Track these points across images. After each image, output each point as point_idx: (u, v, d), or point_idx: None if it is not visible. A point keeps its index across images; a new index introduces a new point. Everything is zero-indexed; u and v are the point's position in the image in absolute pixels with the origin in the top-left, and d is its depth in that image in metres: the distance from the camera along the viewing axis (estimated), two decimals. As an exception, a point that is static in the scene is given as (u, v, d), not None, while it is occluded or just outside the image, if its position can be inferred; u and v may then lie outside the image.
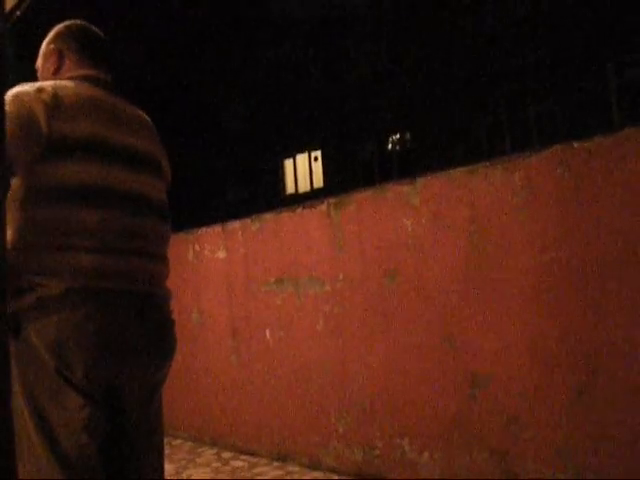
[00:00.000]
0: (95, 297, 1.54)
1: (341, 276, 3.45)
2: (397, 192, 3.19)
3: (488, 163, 2.88)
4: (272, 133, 22.09)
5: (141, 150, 1.72)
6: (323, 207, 3.55)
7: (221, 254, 4.27)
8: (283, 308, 3.78)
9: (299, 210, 3.69)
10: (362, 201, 3.36)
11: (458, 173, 2.97)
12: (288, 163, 22.09)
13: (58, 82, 1.65)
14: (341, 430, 3.47)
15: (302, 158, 21.80)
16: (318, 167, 21.34)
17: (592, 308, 2.52)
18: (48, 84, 1.62)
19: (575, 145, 2.60)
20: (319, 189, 20.91)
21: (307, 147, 21.42)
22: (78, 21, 1.88)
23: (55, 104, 1.57)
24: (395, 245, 3.19)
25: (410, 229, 3.13)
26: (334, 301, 3.49)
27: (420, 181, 3.11)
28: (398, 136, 19.33)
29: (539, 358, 2.68)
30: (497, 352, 2.81)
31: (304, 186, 21.71)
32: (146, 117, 1.83)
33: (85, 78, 1.73)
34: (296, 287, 3.69)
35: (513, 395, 2.77)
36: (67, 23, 1.85)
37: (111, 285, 1.57)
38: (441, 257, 3.00)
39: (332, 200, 3.51)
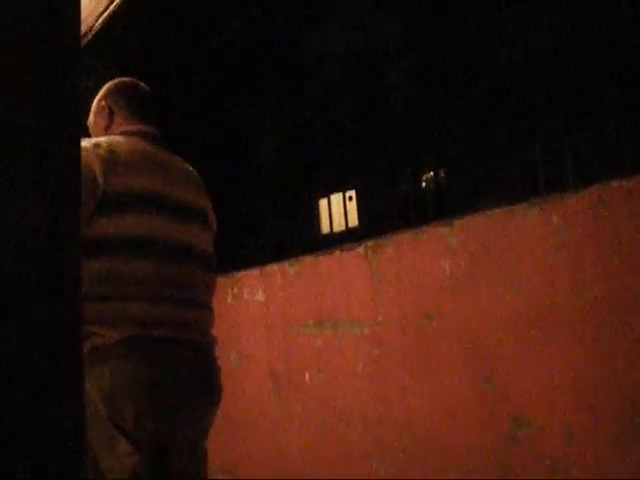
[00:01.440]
0: (148, 345, 1.60)
1: (380, 318, 3.47)
2: (435, 234, 3.22)
3: (526, 203, 2.90)
4: (308, 175, 22.27)
5: (190, 202, 1.79)
6: (361, 250, 3.59)
7: (260, 297, 4.32)
8: (322, 350, 3.81)
9: (337, 253, 3.74)
10: (400, 243, 3.39)
11: (496, 213, 3.00)
12: (323, 203, 22.23)
13: (112, 138, 1.73)
14: (382, 473, 3.46)
15: (337, 198, 21.93)
16: (353, 206, 21.42)
17: (633, 347, 2.51)
18: (103, 140, 1.70)
19: (613, 184, 2.62)
20: (354, 228, 20.97)
21: (342, 187, 21.55)
22: (126, 78, 1.97)
23: (111, 159, 1.64)
24: (433, 287, 3.21)
25: (448, 271, 3.15)
26: (373, 343, 3.51)
27: (457, 222, 3.14)
28: (432, 174, 19.36)
29: (581, 399, 2.67)
30: (539, 393, 2.80)
31: (339, 225, 21.80)
32: (193, 170, 1.91)
33: (136, 133, 1.81)
34: (335, 329, 3.72)
35: (555, 437, 2.75)
36: (116, 80, 1.94)
37: (163, 333, 1.62)
38: (480, 298, 3.02)
39: (370, 243, 3.55)
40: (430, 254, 3.23)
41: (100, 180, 1.60)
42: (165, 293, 1.65)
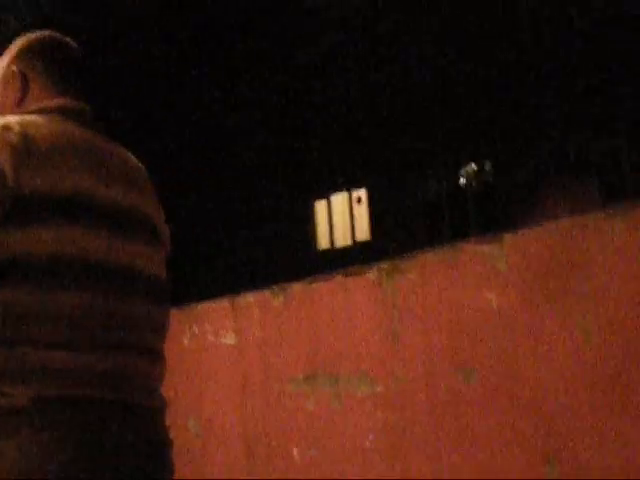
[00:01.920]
0: (71, 411, 1.59)
1: (398, 372, 3.46)
2: (476, 253, 3.22)
3: (604, 212, 2.90)
4: (299, 164, 22.33)
5: (133, 209, 1.78)
6: (372, 274, 3.59)
7: (230, 339, 4.31)
8: (317, 416, 3.80)
9: (339, 278, 3.74)
10: (427, 266, 3.39)
11: (562, 226, 3.00)
12: (320, 206, 22.27)
13: (27, 117, 1.72)
14: None
15: (340, 199, 21.97)
16: (362, 212, 21.46)
17: None
18: (14, 120, 1.68)
19: None
20: (364, 243, 21.00)
21: (347, 184, 21.60)
22: (46, 32, 1.96)
23: (25, 148, 1.63)
24: (473, 328, 3.21)
25: (495, 305, 3.14)
26: (388, 407, 3.50)
27: (508, 238, 3.14)
28: (474, 167, 19.45)
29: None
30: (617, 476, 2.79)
31: (343, 238, 21.82)
32: (138, 163, 1.90)
33: (59, 110, 1.80)
34: (335, 387, 3.71)
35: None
36: (32, 35, 1.93)
37: (92, 393, 1.62)
38: (539, 344, 3.01)
39: (385, 265, 3.55)
40: (469, 282, 3.23)
41: (10, 177, 1.59)
42: (97, 336, 1.64)
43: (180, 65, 23.50)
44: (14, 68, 1.87)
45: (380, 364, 3.55)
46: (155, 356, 1.80)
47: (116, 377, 1.66)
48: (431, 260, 3.39)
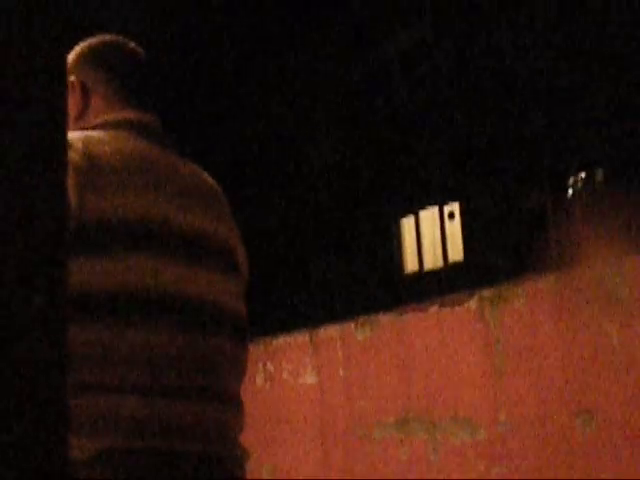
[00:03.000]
0: (142, 464, 1.60)
1: (503, 417, 3.43)
2: (593, 279, 3.18)
3: None
4: (383, 176, 22.33)
5: (209, 235, 1.79)
6: (472, 303, 3.57)
7: (309, 378, 4.32)
8: (409, 467, 3.78)
9: (433, 309, 3.72)
10: (536, 293, 3.36)
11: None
12: (407, 223, 22.24)
13: (89, 133, 1.74)
14: None
15: (429, 215, 21.91)
16: (455, 229, 21.36)
17: None
18: (75, 137, 1.70)
19: None
20: (457, 264, 20.89)
21: (437, 198, 21.54)
22: (108, 36, 1.97)
23: (89, 168, 1.65)
24: (592, 366, 3.16)
25: (616, 339, 3.10)
26: (493, 456, 3.46)
27: (630, 260, 3.10)
28: (584, 175, 19.23)
29: None
30: None
31: (433, 259, 21.76)
32: (213, 183, 1.91)
33: (126, 125, 1.81)
34: (431, 433, 3.69)
35: None
36: (93, 41, 1.94)
37: (165, 445, 1.63)
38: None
39: (486, 292, 3.53)
40: (586, 312, 3.19)
41: (74, 202, 1.61)
42: (171, 379, 1.66)
43: (252, 80, 23.80)
44: (73, 78, 1.88)
45: (482, 408, 3.52)
46: (234, 402, 1.81)
47: (192, 426, 1.67)
48: (540, 286, 3.36)
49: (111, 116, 1.83)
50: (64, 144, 0.83)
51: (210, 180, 1.91)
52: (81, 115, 1.87)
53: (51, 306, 0.76)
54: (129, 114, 1.84)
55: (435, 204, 21.35)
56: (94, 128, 1.81)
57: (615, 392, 3.11)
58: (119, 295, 1.63)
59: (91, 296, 1.62)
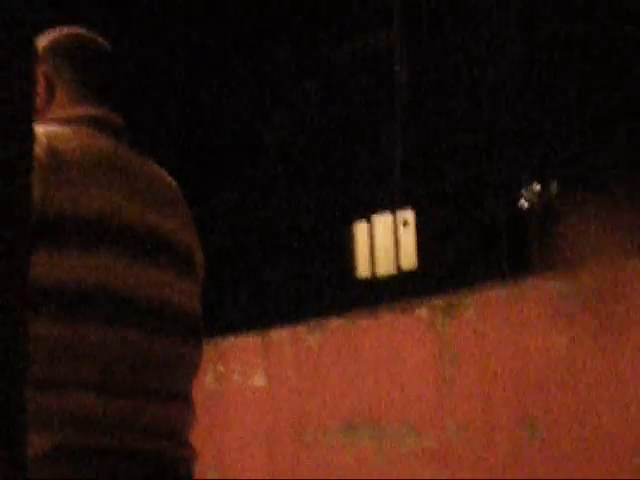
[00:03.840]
0: (93, 461, 1.60)
1: (451, 424, 3.45)
2: (543, 290, 3.21)
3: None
4: (336, 179, 22.30)
5: (168, 234, 1.80)
6: (424, 312, 3.58)
7: (259, 380, 4.32)
8: (356, 472, 3.79)
9: (384, 315, 3.74)
10: (486, 304, 3.38)
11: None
12: (360, 228, 22.23)
13: (53, 128, 1.73)
14: None
15: (383, 221, 21.91)
16: (409, 236, 21.38)
17: None
18: (39, 132, 1.69)
19: None
20: (410, 273, 20.88)
21: (391, 204, 21.56)
22: (74, 28, 1.94)
23: (53, 163, 1.64)
24: (539, 377, 3.19)
25: (565, 351, 3.13)
26: (439, 464, 3.48)
27: (583, 273, 3.13)
28: (539, 187, 19.29)
29: None
30: None
31: (386, 266, 21.72)
32: (172, 181, 1.91)
33: (89, 121, 1.81)
34: (378, 439, 3.71)
35: None
36: (57, 32, 1.92)
37: (116, 442, 1.63)
38: (618, 398, 2.99)
39: (438, 301, 3.55)
40: (536, 323, 3.22)
41: (37, 196, 1.60)
42: (125, 378, 1.66)
43: (215, 76, 23.61)
44: (37, 71, 1.87)
45: (430, 415, 3.54)
46: (186, 402, 1.81)
47: (144, 425, 1.67)
48: (491, 297, 3.39)
49: (74, 111, 1.82)
50: (31, 137, 0.84)
51: (170, 180, 1.91)
52: (44, 110, 1.86)
53: (12, 296, 0.77)
54: (92, 110, 1.83)
55: (389, 210, 21.35)
56: (57, 122, 1.80)
57: (561, 404, 3.14)
58: (74, 291, 1.63)
59: (46, 291, 1.62)
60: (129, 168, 1.79)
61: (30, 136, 0.83)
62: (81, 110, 1.83)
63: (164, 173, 1.91)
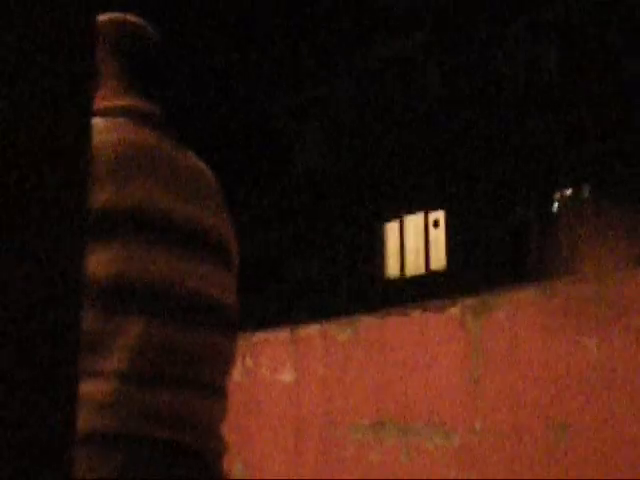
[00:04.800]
0: (126, 449, 1.61)
1: (478, 424, 3.44)
2: (575, 293, 3.20)
3: None
4: (367, 180, 22.34)
5: (206, 228, 1.80)
6: (455, 311, 3.58)
7: (287, 375, 4.32)
8: (382, 470, 3.79)
9: (416, 314, 3.73)
10: (518, 305, 3.37)
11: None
12: (391, 228, 22.26)
13: (92, 120, 1.73)
14: None
15: (414, 221, 21.94)
16: (439, 237, 21.40)
17: None
18: None
19: None
20: (439, 273, 20.92)
21: (423, 205, 21.57)
22: (117, 14, 1.90)
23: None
24: (569, 380, 3.18)
25: (595, 355, 3.12)
26: (465, 463, 3.48)
27: (614, 277, 3.12)
28: (570, 191, 19.29)
29: None
30: None
31: (415, 266, 21.78)
32: (211, 174, 1.91)
33: (128, 113, 1.81)
34: (404, 437, 3.70)
35: None
36: (104, 19, 1.87)
37: (150, 432, 1.63)
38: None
39: (470, 301, 3.54)
40: (566, 326, 3.21)
41: None
42: (162, 369, 1.66)
43: (241, 77, 23.74)
44: None
45: (458, 414, 3.53)
46: (219, 394, 1.81)
47: (178, 416, 1.67)
48: (523, 298, 3.38)
49: (116, 103, 1.81)
50: (89, 133, 0.84)
51: (209, 173, 1.91)
52: None
53: (67, 289, 0.77)
54: (134, 102, 1.83)
55: (420, 211, 21.39)
56: (96, 114, 1.80)
57: (590, 408, 3.13)
58: (113, 284, 1.63)
59: (86, 284, 1.63)
60: (168, 160, 1.79)
61: (88, 126, 0.82)
62: (123, 102, 1.82)
63: (203, 165, 1.91)
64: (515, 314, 3.39)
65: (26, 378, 0.73)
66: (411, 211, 21.71)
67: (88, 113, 0.80)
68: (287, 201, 23.40)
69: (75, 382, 0.76)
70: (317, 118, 23.40)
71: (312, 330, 4.22)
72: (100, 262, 1.62)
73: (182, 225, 1.74)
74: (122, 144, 1.71)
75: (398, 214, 21.87)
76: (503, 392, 3.39)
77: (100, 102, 1.83)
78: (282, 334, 4.39)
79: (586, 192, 18.99)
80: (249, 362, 4.56)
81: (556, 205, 19.51)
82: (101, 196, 1.64)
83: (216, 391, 1.79)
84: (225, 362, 1.82)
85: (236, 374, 4.61)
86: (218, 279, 1.80)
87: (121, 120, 1.76)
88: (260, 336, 4.52)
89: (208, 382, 1.76)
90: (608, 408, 3.09)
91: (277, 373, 4.39)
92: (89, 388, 1.61)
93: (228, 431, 4.60)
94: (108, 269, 1.62)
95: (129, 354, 1.63)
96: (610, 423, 3.08)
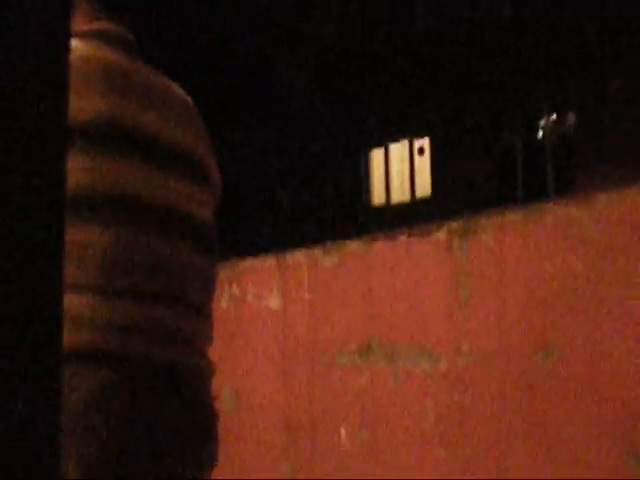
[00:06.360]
0: (99, 365, 1.59)
1: (465, 347, 3.45)
2: (561, 215, 3.19)
3: None
4: (353, 107, 22.24)
5: (178, 144, 1.79)
6: (440, 235, 3.57)
7: (274, 302, 4.32)
8: (369, 394, 3.80)
9: (402, 238, 3.72)
10: (504, 228, 3.36)
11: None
12: (377, 155, 22.21)
13: None
14: None
15: (399, 148, 21.90)
16: (424, 164, 21.39)
17: None
18: None
19: None
20: (425, 200, 20.95)
21: (408, 131, 21.51)
22: None
23: None
24: (555, 301, 3.18)
25: (582, 274, 3.11)
26: (453, 386, 3.49)
27: (600, 198, 3.10)
28: (555, 117, 19.25)
29: None
30: None
31: (400, 193, 21.79)
32: (185, 95, 1.90)
33: (97, 35, 1.80)
34: (392, 361, 3.71)
35: None
36: None
37: (123, 347, 1.62)
38: (633, 325, 2.98)
39: (455, 224, 3.52)
40: (553, 248, 3.20)
41: None
42: (132, 281, 1.65)
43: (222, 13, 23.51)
44: None
45: (445, 337, 3.53)
46: (199, 311, 1.80)
47: (152, 329, 1.66)
48: (508, 221, 3.37)
49: (87, 27, 1.82)
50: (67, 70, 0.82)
51: (181, 92, 1.90)
52: None
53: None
54: (104, 25, 1.83)
55: (405, 138, 21.33)
56: None
57: (576, 330, 3.13)
58: (80, 193, 1.61)
59: None
60: (140, 79, 1.79)
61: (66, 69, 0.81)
62: (93, 25, 1.83)
63: (175, 86, 1.90)
64: (501, 237, 3.38)
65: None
66: (396, 139, 21.66)
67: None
68: (272, 131, 23.32)
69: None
70: (302, 41, 23.25)
71: (298, 257, 4.21)
72: (70, 172, 1.60)
73: (155, 139, 1.74)
74: (92, 61, 1.71)
75: (383, 142, 21.81)
76: (490, 315, 3.39)
77: (74, 28, 1.83)
78: (268, 261, 4.38)
79: (571, 117, 18.96)
80: (236, 289, 4.56)
81: (541, 131, 19.49)
82: (69, 108, 1.62)
83: (197, 310, 1.78)
84: (203, 280, 1.81)
85: (223, 301, 4.61)
86: (192, 194, 1.79)
87: (92, 41, 1.77)
88: (246, 263, 4.52)
89: (187, 299, 1.75)
90: (595, 329, 3.09)
91: (264, 300, 4.39)
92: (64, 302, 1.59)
93: (216, 358, 4.60)
94: (78, 179, 1.61)
95: (100, 265, 1.61)
96: (597, 344, 3.08)
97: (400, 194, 21.47)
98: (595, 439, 3.06)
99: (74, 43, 1.73)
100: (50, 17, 0.77)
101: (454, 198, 19.93)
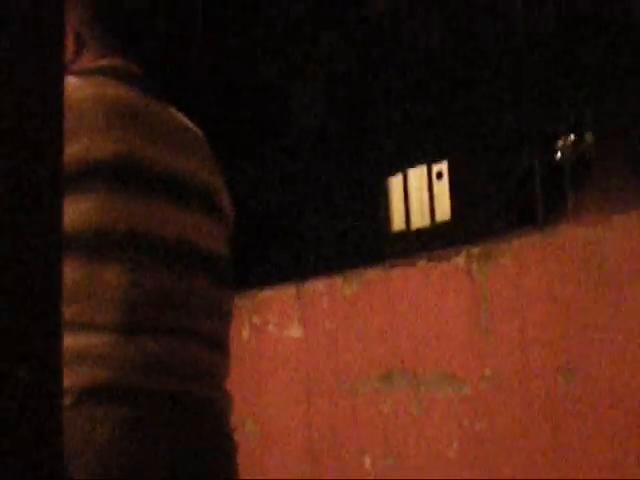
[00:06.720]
0: (122, 403, 1.60)
1: (488, 372, 3.44)
2: (580, 237, 3.18)
3: None
4: (371, 135, 22.28)
5: (190, 177, 1.79)
6: (460, 260, 3.56)
7: (295, 331, 4.32)
8: (393, 420, 3.79)
9: (421, 264, 3.72)
10: (523, 251, 3.36)
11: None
12: (396, 182, 22.22)
13: (65, 79, 1.73)
14: None
15: (418, 174, 21.90)
16: (443, 188, 21.37)
17: None
18: None
19: None
20: (444, 224, 20.93)
21: (426, 157, 21.52)
22: None
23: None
24: (576, 325, 3.17)
25: (601, 296, 3.10)
26: (477, 411, 3.48)
27: (618, 219, 3.10)
28: (573, 138, 19.21)
29: None
30: None
31: (420, 219, 21.79)
32: (197, 130, 1.91)
33: (108, 72, 1.80)
34: (415, 387, 3.70)
35: None
36: None
37: (143, 383, 1.63)
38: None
39: (475, 249, 3.52)
40: (573, 270, 3.19)
41: None
42: (149, 318, 1.65)
43: (246, 31, 23.63)
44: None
45: (467, 362, 3.53)
46: (215, 344, 1.80)
47: (172, 364, 1.67)
48: (528, 244, 3.36)
49: (96, 63, 1.82)
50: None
51: (191, 125, 1.90)
52: (72, 62, 1.84)
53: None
54: (113, 62, 1.83)
55: (423, 163, 21.34)
56: (75, 74, 1.79)
57: (597, 351, 3.12)
58: (94, 234, 1.62)
59: (67, 235, 1.61)
60: (148, 113, 1.79)
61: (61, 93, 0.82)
62: (104, 62, 1.82)
63: (186, 119, 1.91)
64: (520, 260, 3.37)
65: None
66: (413, 164, 21.67)
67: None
68: (289, 160, 23.37)
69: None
70: (319, 72, 23.31)
71: (318, 286, 4.21)
72: (80, 213, 1.61)
73: (163, 174, 1.74)
74: (98, 98, 1.71)
75: (401, 167, 21.82)
76: (511, 338, 3.38)
77: (83, 64, 1.83)
78: (288, 290, 4.38)
79: (589, 138, 18.93)
80: (256, 320, 4.56)
81: (559, 152, 19.45)
82: (74, 148, 1.62)
83: (214, 343, 1.78)
84: (220, 313, 1.81)
85: (244, 332, 4.61)
86: (206, 228, 1.79)
87: (98, 78, 1.77)
88: (267, 293, 4.52)
89: (204, 333, 1.75)
90: (616, 350, 3.08)
91: (285, 329, 4.39)
92: (82, 342, 1.60)
93: (238, 389, 4.59)
94: (88, 219, 1.62)
95: (119, 303, 1.62)
96: (619, 365, 3.07)
97: (420, 219, 21.47)
98: (620, 460, 3.05)
99: (85, 81, 1.74)
100: (45, 18, 0.78)
101: (474, 221, 19.90)
